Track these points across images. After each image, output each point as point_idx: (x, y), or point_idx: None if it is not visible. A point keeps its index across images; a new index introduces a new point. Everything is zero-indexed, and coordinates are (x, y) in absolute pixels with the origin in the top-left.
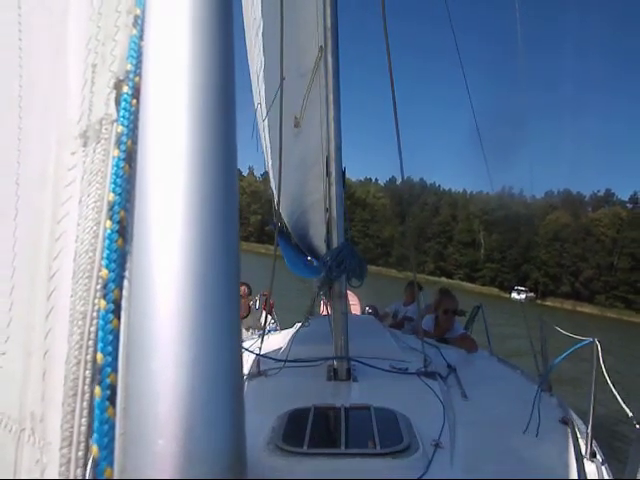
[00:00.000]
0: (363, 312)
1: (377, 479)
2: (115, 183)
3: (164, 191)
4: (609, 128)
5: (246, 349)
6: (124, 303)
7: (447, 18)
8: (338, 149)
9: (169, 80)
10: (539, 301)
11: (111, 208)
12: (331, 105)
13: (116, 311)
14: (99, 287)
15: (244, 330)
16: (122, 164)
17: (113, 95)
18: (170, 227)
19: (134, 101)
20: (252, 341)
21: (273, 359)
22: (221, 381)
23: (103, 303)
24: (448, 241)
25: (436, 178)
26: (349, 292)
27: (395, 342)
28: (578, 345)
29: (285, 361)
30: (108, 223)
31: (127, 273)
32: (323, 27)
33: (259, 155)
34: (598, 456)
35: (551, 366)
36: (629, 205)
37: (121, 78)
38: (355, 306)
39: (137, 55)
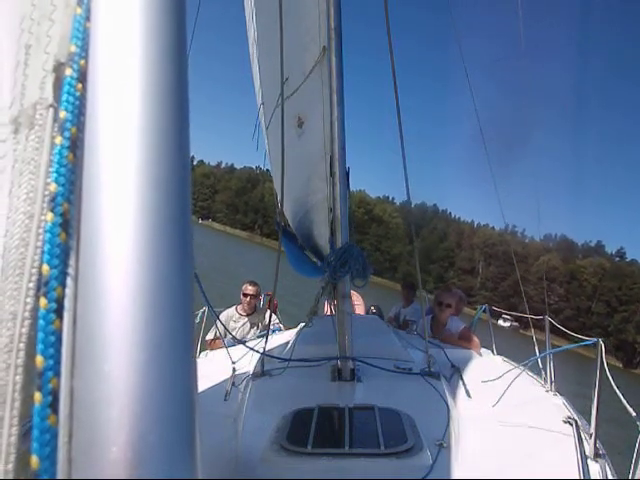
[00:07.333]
0: (367, 312)
1: (381, 479)
2: (58, 172)
3: (114, 181)
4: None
5: (251, 348)
6: (67, 302)
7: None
8: (342, 149)
9: (120, 63)
10: (522, 331)
11: (53, 199)
12: (335, 105)
13: (58, 310)
14: (32, 285)
15: (249, 328)
16: (66, 152)
17: (50, 78)
18: (121, 220)
19: (79, 85)
20: (256, 341)
21: (277, 358)
22: (177, 382)
23: (44, 302)
24: (450, 266)
25: (448, 205)
26: (353, 292)
27: (399, 342)
28: (581, 344)
29: (289, 361)
30: (50, 216)
31: (71, 270)
32: (326, 28)
33: (261, 154)
34: (602, 456)
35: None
36: (616, 258)
37: (62, 61)
38: (359, 306)
39: (83, 37)
